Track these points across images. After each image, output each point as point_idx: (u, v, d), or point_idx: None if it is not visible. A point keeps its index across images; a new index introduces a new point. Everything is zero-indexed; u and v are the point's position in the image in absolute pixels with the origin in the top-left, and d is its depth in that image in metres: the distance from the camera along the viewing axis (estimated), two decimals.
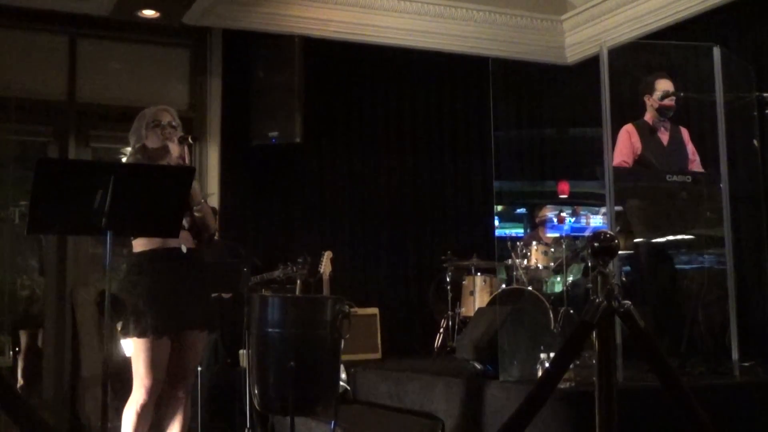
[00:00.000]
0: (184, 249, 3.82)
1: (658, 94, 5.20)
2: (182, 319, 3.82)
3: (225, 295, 6.06)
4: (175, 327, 3.81)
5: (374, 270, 7.69)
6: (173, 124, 3.93)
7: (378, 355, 6.79)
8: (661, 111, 5.24)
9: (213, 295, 4.66)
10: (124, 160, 4.12)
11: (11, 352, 6.86)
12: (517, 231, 7.73)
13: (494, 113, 5.92)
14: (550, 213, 7.11)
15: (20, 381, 6.73)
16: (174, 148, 3.86)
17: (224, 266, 5.61)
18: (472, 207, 8.01)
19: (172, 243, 3.79)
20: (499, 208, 7.75)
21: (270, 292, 5.77)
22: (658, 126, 5.28)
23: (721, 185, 4.79)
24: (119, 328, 3.82)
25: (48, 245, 6.75)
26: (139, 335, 3.73)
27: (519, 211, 7.85)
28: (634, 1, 7.28)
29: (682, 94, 5.24)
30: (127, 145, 6.97)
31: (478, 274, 6.94)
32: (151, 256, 3.82)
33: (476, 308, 6.47)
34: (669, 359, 2.83)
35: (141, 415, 3.77)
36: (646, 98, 5.29)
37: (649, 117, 5.29)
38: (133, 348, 3.81)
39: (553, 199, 7.23)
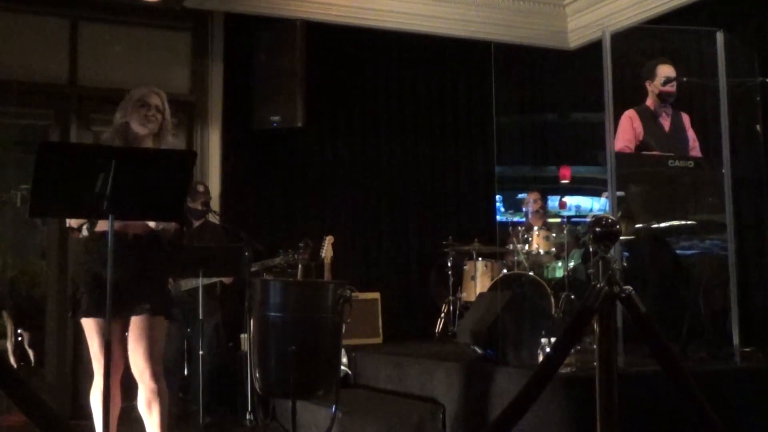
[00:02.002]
0: (129, 236, 3.72)
1: (659, 79, 5.16)
2: (123, 304, 3.66)
3: (226, 280, 6.08)
4: (116, 310, 3.55)
5: (375, 255, 7.69)
6: (160, 108, 3.88)
7: (379, 340, 6.80)
8: (662, 97, 5.21)
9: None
10: (104, 135, 3.99)
11: (13, 336, 6.88)
12: (519, 217, 7.73)
13: (496, 98, 5.89)
14: (532, 200, 7.14)
15: (31, 361, 6.75)
16: (140, 129, 3.83)
17: (225, 251, 5.62)
18: (473, 192, 8.01)
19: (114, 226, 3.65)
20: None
21: (271, 276, 5.77)
22: (659, 111, 5.25)
23: (724, 171, 4.78)
24: None
25: (50, 229, 6.75)
26: (80, 316, 3.73)
27: (521, 196, 7.85)
28: None
29: (684, 79, 5.21)
30: None
31: (480, 259, 6.95)
32: (100, 237, 3.67)
33: (477, 293, 6.48)
34: (670, 344, 2.82)
35: (101, 400, 3.55)
36: (647, 84, 5.26)
37: (650, 102, 5.27)
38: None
39: (547, 185, 7.25)
